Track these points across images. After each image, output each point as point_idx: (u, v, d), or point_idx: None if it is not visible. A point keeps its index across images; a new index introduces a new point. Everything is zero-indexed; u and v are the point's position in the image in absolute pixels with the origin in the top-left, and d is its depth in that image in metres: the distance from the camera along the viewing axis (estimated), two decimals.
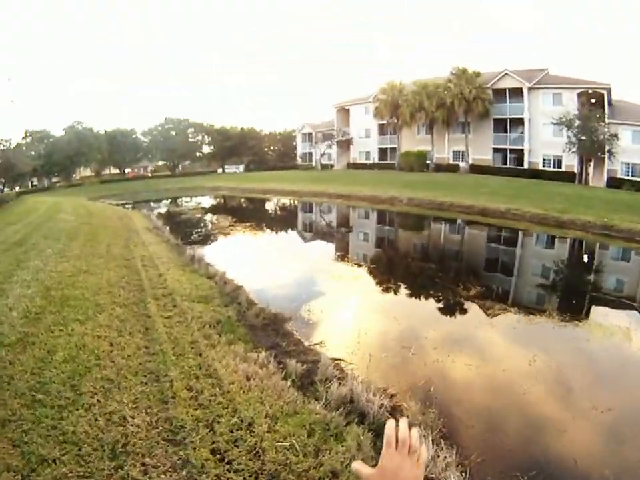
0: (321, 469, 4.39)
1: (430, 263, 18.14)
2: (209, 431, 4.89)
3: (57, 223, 21.43)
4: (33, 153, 54.55)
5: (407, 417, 6.01)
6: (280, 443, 4.71)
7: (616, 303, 12.22)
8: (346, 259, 18.98)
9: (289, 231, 28.01)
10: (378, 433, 5.40)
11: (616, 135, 33.81)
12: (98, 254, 14.33)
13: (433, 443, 5.12)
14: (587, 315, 11.32)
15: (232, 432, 4.90)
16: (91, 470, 4.19)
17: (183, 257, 16.08)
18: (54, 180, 62.70)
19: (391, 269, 17.49)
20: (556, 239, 21.05)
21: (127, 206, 37.65)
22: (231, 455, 4.50)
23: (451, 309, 12.16)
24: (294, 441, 4.75)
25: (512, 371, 8.03)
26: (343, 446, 4.81)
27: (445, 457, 4.91)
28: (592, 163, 36.63)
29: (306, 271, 16.68)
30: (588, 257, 19.14)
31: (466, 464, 5.12)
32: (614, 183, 34.11)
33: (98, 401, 5.36)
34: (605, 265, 17.26)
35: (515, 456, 5.66)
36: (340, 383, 6.66)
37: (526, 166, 40.70)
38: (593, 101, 36.22)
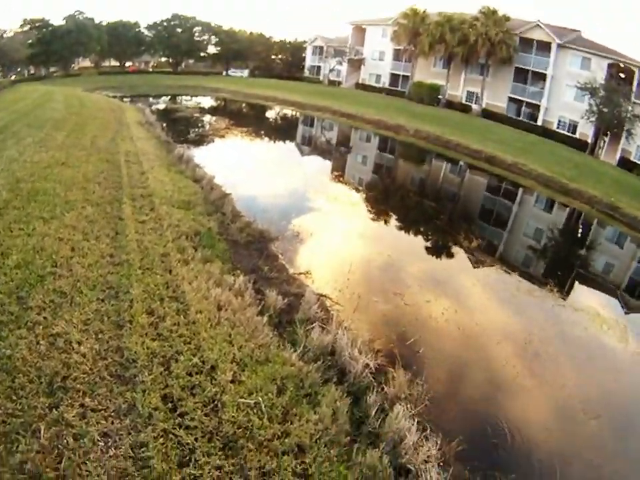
0: (286, 440, 3.71)
1: (429, 201, 17.39)
2: (164, 371, 4.18)
3: (45, 111, 19.64)
4: (30, 41, 51.04)
5: (393, 387, 5.52)
6: (244, 400, 4.01)
7: (596, 282, 11.70)
8: (342, 179, 18.07)
9: (287, 142, 26.62)
10: (357, 398, 4.78)
11: (639, 116, 31.87)
12: (81, 145, 13.07)
13: (417, 425, 4.52)
14: (569, 290, 10.80)
15: (190, 376, 4.19)
16: (22, 407, 3.50)
17: (171, 155, 14.89)
18: (52, 69, 59.30)
19: (387, 199, 16.70)
20: (556, 205, 19.97)
21: (124, 99, 35.37)
22: (184, 406, 3.81)
23: (445, 254, 11.58)
24: (260, 398, 4.05)
25: (507, 339, 7.53)
26: (315, 412, 4.13)
27: (429, 447, 4.31)
28: (607, 138, 34.71)
29: (299, 186, 15.73)
30: (583, 232, 18.25)
31: (447, 451, 4.58)
32: (626, 164, 31.61)
33: (44, 318, 4.58)
34: (599, 244, 16.43)
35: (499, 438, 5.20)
36: (323, 328, 5.94)
37: (539, 123, 38.10)
38: (623, 75, 33.53)
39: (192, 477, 3.26)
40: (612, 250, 16.05)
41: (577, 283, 11.62)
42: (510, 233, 15.67)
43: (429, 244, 12.28)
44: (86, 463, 3.15)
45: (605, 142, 34.86)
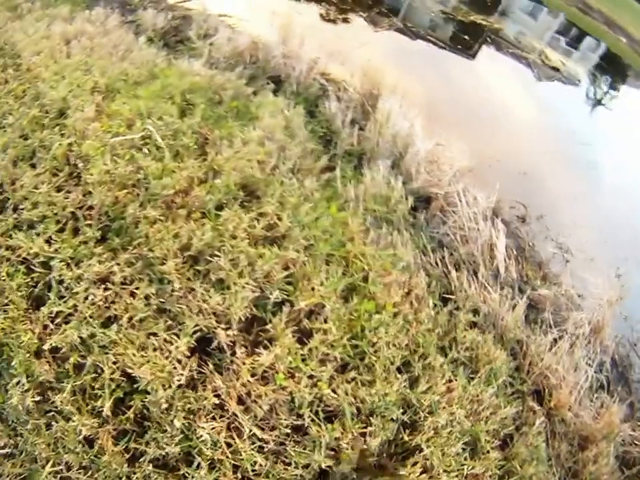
0: (216, 181, 2.29)
1: None
2: None
3: None
4: None
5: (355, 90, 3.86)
6: (121, 137, 2.38)
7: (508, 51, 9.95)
8: None
9: None
10: (309, 112, 3.21)
11: None
12: None
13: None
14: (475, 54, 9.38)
15: (25, 139, 2.53)
16: None
17: None
18: None
19: None
20: None
21: None
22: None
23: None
24: (150, 127, 2.42)
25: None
26: (255, 129, 2.65)
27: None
28: None
29: None
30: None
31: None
32: None
33: None
34: (512, 13, 13.66)
35: None
36: (232, 37, 4.08)
37: None
38: None
39: None
40: (525, 20, 14.00)
41: (485, 48, 10.01)
42: None
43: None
44: None
45: None
